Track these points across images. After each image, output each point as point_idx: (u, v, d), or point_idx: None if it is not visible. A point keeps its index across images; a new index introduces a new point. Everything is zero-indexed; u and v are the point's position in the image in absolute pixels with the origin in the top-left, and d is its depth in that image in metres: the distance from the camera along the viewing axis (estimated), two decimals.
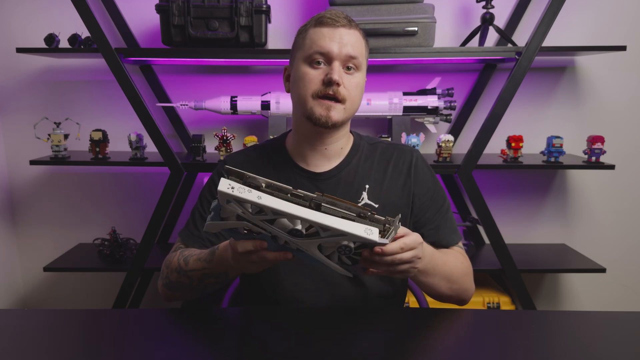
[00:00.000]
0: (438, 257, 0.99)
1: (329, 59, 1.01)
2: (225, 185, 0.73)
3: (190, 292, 1.05)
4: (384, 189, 1.09)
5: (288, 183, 1.08)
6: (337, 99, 1.01)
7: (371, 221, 0.77)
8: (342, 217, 0.76)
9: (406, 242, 0.81)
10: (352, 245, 0.78)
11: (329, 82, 0.99)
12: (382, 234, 0.78)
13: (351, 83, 1.02)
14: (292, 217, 0.74)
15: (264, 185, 0.76)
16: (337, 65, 1.00)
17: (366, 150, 1.13)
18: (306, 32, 1.05)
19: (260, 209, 0.75)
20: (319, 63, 1.01)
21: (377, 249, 0.78)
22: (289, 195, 0.76)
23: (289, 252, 0.83)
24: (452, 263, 1.04)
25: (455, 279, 1.04)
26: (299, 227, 0.77)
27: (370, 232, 0.74)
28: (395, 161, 1.12)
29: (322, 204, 0.77)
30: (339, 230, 0.74)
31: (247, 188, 0.73)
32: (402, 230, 0.84)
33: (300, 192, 0.76)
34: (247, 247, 0.82)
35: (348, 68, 1.02)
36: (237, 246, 0.83)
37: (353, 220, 0.76)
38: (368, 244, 0.78)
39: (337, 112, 1.01)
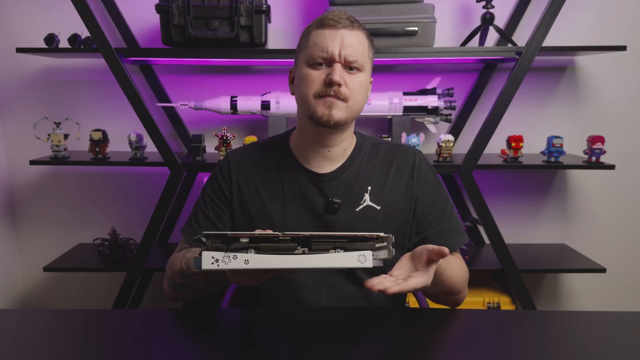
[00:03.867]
0: (447, 273, 0.99)
1: (330, 60, 1.00)
2: (208, 261, 0.72)
3: (196, 292, 1.05)
4: (386, 190, 1.08)
5: (291, 183, 1.09)
6: (339, 98, 1.01)
7: (363, 241, 0.77)
8: (334, 248, 0.76)
9: (415, 286, 0.81)
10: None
11: (330, 83, 0.99)
12: (375, 247, 0.78)
13: (354, 83, 1.01)
14: (285, 271, 0.75)
15: (247, 240, 0.75)
16: (338, 66, 1.00)
17: (369, 151, 1.13)
18: (309, 34, 1.04)
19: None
20: (320, 64, 1.01)
21: (382, 287, 0.77)
22: (275, 241, 0.76)
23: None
24: (457, 275, 1.04)
25: (456, 290, 1.05)
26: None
27: (364, 260, 0.75)
28: (398, 163, 1.11)
29: (312, 240, 0.77)
30: (333, 268, 0.75)
31: (231, 255, 0.72)
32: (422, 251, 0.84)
33: (287, 234, 0.75)
34: (241, 281, 0.85)
35: (350, 68, 1.01)
36: (230, 280, 0.87)
37: (345, 248, 0.77)
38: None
39: (339, 110, 1.01)
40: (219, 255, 0.72)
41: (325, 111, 1.00)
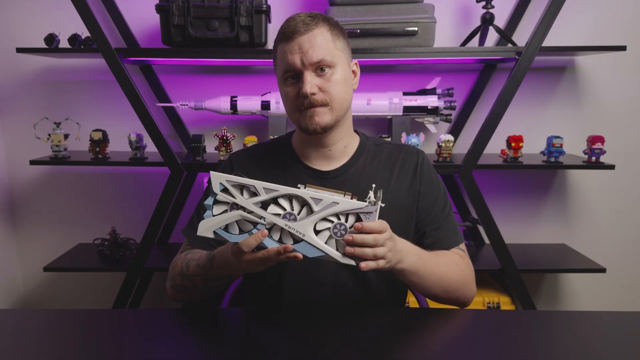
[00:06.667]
0: (427, 257, 0.99)
1: (297, 72, 1.02)
2: (218, 175, 0.85)
3: (196, 294, 1.06)
4: (390, 189, 1.09)
5: (294, 181, 1.10)
6: (317, 105, 1.02)
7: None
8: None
9: (382, 225, 0.86)
10: (346, 223, 0.84)
11: (303, 96, 1.01)
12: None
13: (329, 83, 1.02)
14: (285, 195, 0.84)
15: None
16: (306, 75, 1.01)
17: (372, 151, 1.14)
18: (276, 50, 1.08)
19: (253, 193, 0.85)
20: (293, 77, 1.03)
21: (358, 224, 0.84)
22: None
23: (288, 245, 0.85)
24: (444, 265, 1.03)
25: (450, 285, 1.03)
26: (292, 210, 0.85)
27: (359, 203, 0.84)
28: (402, 162, 1.13)
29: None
30: (330, 199, 0.83)
31: (238, 177, 0.85)
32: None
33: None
34: (251, 243, 0.84)
35: (321, 69, 1.02)
36: (242, 246, 0.85)
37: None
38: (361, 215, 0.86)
39: (323, 116, 1.02)
40: (229, 176, 0.85)
41: (309, 121, 1.03)
